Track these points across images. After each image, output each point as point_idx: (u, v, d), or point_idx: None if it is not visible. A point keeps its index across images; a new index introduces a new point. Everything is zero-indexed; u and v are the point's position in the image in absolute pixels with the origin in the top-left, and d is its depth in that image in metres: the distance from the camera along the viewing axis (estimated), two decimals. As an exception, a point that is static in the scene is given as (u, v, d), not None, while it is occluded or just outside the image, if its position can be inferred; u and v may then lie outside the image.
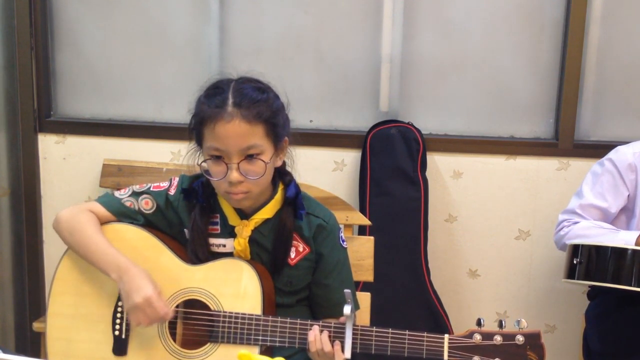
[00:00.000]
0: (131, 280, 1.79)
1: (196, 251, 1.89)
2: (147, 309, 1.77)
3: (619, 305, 2.27)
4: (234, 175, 1.76)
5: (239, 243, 1.88)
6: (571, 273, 2.19)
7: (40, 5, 2.82)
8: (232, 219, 1.90)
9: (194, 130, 1.84)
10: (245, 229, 1.88)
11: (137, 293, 1.77)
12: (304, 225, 1.92)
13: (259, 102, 1.78)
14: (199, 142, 1.84)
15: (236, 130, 1.75)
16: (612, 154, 2.40)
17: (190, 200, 1.92)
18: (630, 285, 2.04)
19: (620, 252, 2.07)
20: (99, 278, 1.88)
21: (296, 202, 1.90)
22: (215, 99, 1.78)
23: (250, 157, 1.77)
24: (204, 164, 1.82)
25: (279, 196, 1.91)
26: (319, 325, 1.78)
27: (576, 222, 2.39)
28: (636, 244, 2.19)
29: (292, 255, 1.91)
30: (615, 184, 2.37)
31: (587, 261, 2.13)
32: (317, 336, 1.76)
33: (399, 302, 2.72)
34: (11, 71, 2.85)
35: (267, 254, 1.91)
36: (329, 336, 1.76)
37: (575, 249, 2.17)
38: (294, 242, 1.91)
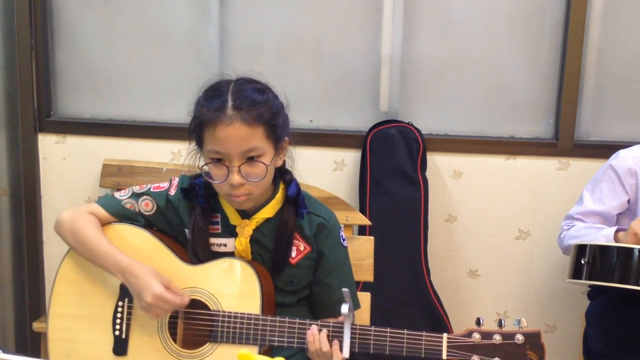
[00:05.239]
0: (137, 280, 1.79)
1: (196, 251, 1.89)
2: (160, 304, 1.78)
3: (619, 305, 2.27)
4: (235, 178, 1.77)
5: (240, 242, 1.88)
6: (577, 273, 2.18)
7: (40, 5, 2.82)
8: (233, 218, 1.90)
9: (194, 133, 1.84)
10: (246, 229, 1.88)
11: (146, 292, 1.77)
12: (305, 224, 1.92)
13: (258, 104, 1.77)
14: (199, 145, 1.84)
15: (236, 133, 1.74)
16: (612, 159, 2.40)
17: (190, 199, 1.92)
18: (638, 285, 2.03)
19: (626, 252, 2.07)
20: (101, 278, 1.89)
21: (297, 200, 1.91)
22: (215, 101, 1.78)
23: (251, 160, 1.77)
24: (205, 167, 1.82)
25: (279, 195, 1.91)
26: (317, 324, 1.78)
27: (573, 225, 2.40)
28: (615, 238, 2.21)
29: (293, 254, 1.91)
30: (614, 190, 2.37)
31: (593, 261, 2.13)
32: (315, 336, 1.76)
33: (399, 302, 2.72)
34: (11, 71, 2.85)
35: (268, 253, 1.91)
36: (328, 336, 1.77)
37: (582, 249, 2.17)
38: (295, 242, 1.91)
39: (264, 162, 1.78)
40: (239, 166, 1.76)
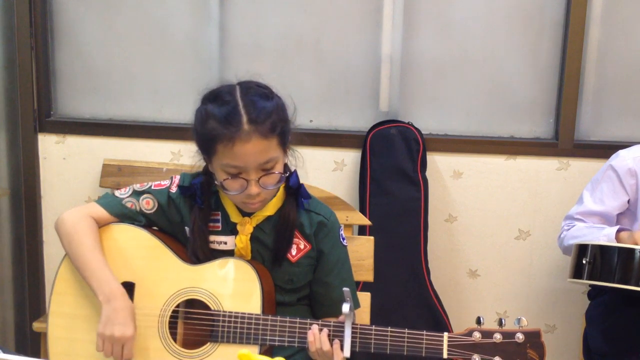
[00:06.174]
0: (119, 310, 1.78)
1: (196, 251, 1.89)
2: (117, 346, 1.78)
3: (619, 305, 2.27)
4: (254, 189, 1.77)
5: (241, 240, 1.88)
6: (578, 273, 2.18)
7: (40, 5, 2.83)
8: (234, 216, 1.90)
9: (203, 146, 1.81)
10: (247, 226, 1.88)
11: (119, 327, 1.77)
12: (305, 222, 1.92)
13: (271, 113, 1.76)
14: (208, 155, 1.81)
15: (255, 149, 1.74)
16: (612, 159, 2.40)
17: (190, 198, 1.92)
18: (638, 286, 2.03)
19: (627, 252, 2.07)
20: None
21: (299, 191, 1.91)
22: (228, 116, 1.74)
23: (267, 170, 1.77)
24: (221, 182, 1.79)
25: (280, 193, 1.91)
26: (318, 324, 1.78)
27: (573, 226, 2.40)
28: (616, 238, 2.21)
29: (294, 252, 1.91)
30: (614, 190, 2.37)
31: (594, 261, 2.13)
32: (316, 335, 1.76)
33: (399, 302, 2.72)
34: (11, 71, 2.85)
35: (267, 252, 1.91)
36: (328, 335, 1.77)
37: (583, 249, 2.17)
38: (295, 240, 1.91)
39: (278, 172, 1.79)
40: (258, 179, 1.76)
